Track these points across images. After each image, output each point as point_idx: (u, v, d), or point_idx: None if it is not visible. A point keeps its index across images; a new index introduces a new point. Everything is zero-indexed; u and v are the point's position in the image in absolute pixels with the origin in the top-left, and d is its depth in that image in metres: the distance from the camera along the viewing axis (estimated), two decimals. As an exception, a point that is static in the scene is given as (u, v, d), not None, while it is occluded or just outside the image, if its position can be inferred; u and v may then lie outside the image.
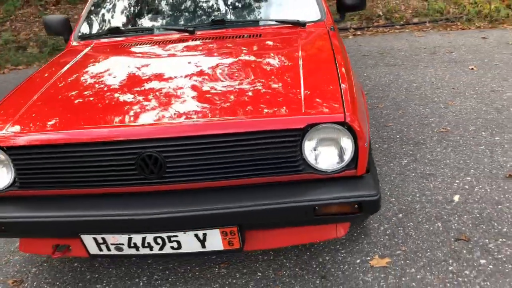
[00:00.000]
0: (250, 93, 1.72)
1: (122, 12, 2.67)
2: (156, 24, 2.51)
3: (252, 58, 2.05)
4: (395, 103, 3.85)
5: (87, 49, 2.38)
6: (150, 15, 2.60)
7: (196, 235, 1.60)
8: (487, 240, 2.02)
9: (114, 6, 2.71)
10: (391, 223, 2.20)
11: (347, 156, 1.57)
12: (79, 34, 2.54)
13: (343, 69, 1.84)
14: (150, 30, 2.46)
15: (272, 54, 2.08)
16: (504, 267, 1.85)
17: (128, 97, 1.78)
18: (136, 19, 2.61)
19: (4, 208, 1.64)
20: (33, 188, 1.66)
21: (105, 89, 1.91)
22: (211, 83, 1.83)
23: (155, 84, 1.86)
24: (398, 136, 3.19)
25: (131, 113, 1.66)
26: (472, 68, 4.68)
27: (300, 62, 1.92)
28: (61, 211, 1.60)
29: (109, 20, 2.63)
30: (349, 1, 2.56)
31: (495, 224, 2.13)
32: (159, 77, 1.94)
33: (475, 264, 1.88)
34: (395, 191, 2.48)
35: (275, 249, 2.05)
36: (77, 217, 1.58)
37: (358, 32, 7.36)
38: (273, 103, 1.64)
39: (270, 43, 2.22)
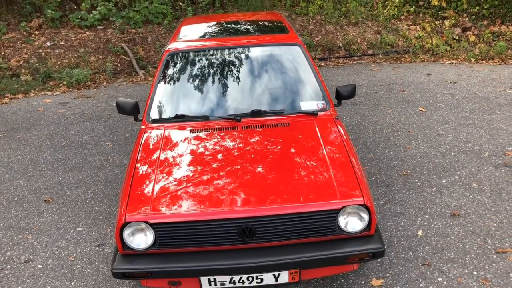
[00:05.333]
0: (302, 181, 2.71)
1: (181, 100, 3.57)
2: (212, 112, 3.43)
3: (292, 148, 3.03)
4: (366, 146, 4.96)
5: (165, 132, 3.26)
6: (205, 104, 3.50)
7: (274, 275, 2.60)
8: (441, 264, 3.14)
9: (174, 94, 3.61)
10: (380, 253, 3.27)
11: (365, 223, 2.61)
12: (151, 118, 3.43)
13: (353, 158, 2.89)
14: (206, 117, 3.38)
15: (303, 147, 3.05)
16: (453, 282, 2.97)
17: (223, 182, 2.72)
18: (195, 106, 3.50)
19: (150, 261, 2.56)
20: (168, 247, 2.58)
21: (202, 170, 2.84)
22: (274, 170, 2.80)
23: (236, 167, 2.82)
24: (373, 178, 4.29)
25: (232, 197, 2.61)
26: (421, 110, 5.89)
27: (325, 154, 2.94)
28: (189, 263, 2.54)
29: (172, 106, 3.53)
30: (345, 93, 3.61)
31: (446, 252, 3.26)
32: (234, 160, 2.89)
33: (435, 281, 3.00)
34: (379, 227, 3.56)
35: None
36: (200, 267, 2.53)
37: (323, 63, 8.45)
38: (317, 191, 2.65)
39: (299, 133, 3.20)
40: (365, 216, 2.60)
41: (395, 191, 4.05)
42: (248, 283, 2.62)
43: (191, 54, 3.83)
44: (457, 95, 6.37)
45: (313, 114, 3.39)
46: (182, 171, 2.89)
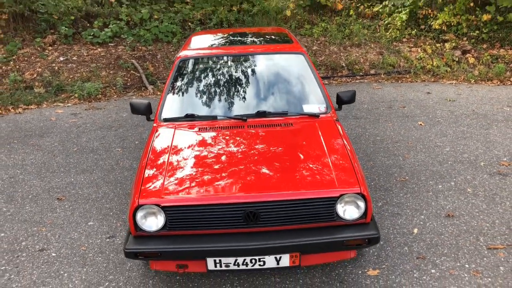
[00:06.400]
0: (303, 171, 2.91)
1: (191, 101, 3.81)
2: (219, 112, 3.66)
3: (294, 145, 3.23)
4: (366, 155, 5.16)
5: (176, 129, 3.48)
6: (213, 105, 3.74)
7: (275, 258, 2.77)
8: (435, 258, 3.30)
9: (184, 96, 3.85)
10: (377, 248, 3.44)
11: (361, 211, 2.79)
12: (163, 117, 3.66)
13: (352, 154, 3.09)
14: (214, 117, 3.61)
15: (305, 142, 3.27)
16: (445, 274, 3.13)
17: (229, 172, 2.93)
18: (204, 107, 3.73)
19: (160, 242, 2.74)
20: (177, 230, 2.77)
21: (209, 162, 3.05)
22: (277, 162, 3.01)
23: (241, 160, 3.03)
24: (372, 183, 4.47)
25: (238, 184, 2.81)
26: (421, 124, 6.10)
27: (325, 148, 3.14)
28: (197, 244, 2.72)
29: (182, 107, 3.76)
30: (345, 98, 3.84)
31: (439, 247, 3.42)
32: (240, 156, 3.10)
33: (428, 272, 3.15)
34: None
35: (309, 266, 3.23)
36: (207, 248, 2.71)
37: (326, 82, 8.71)
38: (317, 180, 2.84)
39: (301, 131, 3.41)
40: (362, 204, 2.78)
41: (393, 194, 4.23)
42: (251, 266, 2.79)
43: (201, 60, 4.08)
44: (455, 112, 6.58)
45: (315, 116, 3.61)
46: (191, 162, 3.10)
